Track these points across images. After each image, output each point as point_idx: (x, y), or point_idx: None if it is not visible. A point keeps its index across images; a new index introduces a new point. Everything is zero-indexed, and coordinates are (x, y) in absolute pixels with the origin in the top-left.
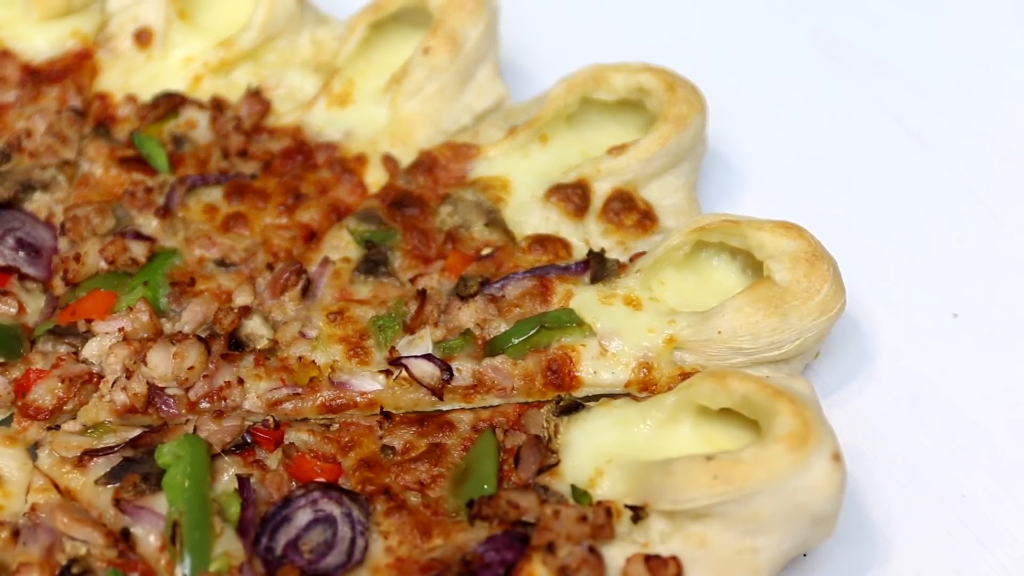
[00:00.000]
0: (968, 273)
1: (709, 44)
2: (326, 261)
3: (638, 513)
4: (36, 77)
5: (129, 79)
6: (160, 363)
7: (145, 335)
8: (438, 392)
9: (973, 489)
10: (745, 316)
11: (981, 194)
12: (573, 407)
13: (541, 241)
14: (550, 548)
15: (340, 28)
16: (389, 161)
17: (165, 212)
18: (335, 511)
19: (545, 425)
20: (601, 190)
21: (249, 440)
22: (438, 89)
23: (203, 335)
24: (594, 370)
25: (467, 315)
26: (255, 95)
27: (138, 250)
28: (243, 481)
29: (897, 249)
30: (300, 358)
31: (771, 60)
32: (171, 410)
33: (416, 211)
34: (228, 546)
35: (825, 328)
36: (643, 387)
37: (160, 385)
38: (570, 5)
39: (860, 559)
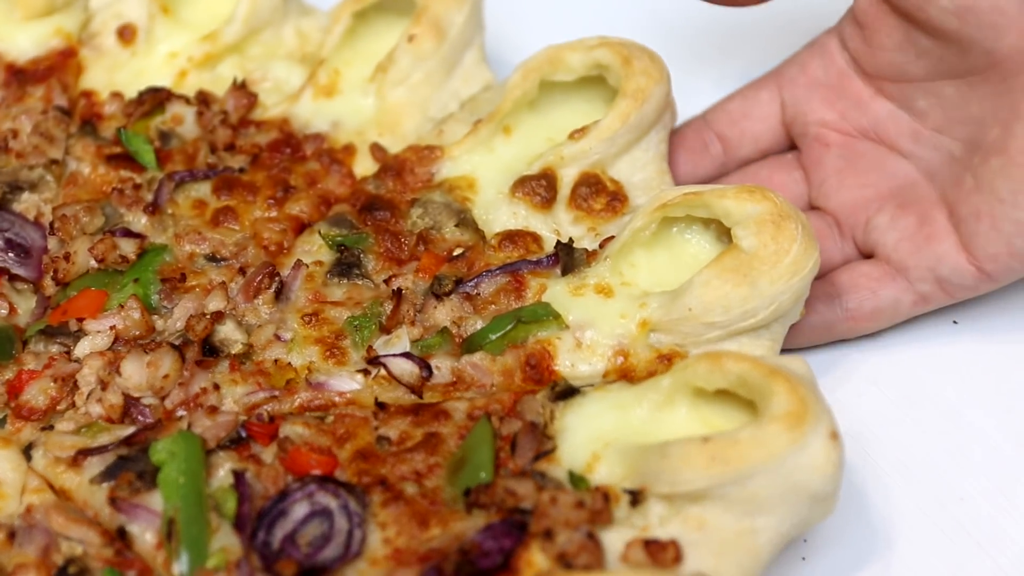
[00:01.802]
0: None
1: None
2: (299, 264)
3: (636, 497)
4: (21, 77)
5: (114, 76)
6: (134, 373)
7: (137, 332)
8: (418, 390)
9: (971, 492)
10: (713, 289)
11: None
12: (569, 392)
13: (511, 237)
14: (548, 534)
15: (324, 18)
16: (377, 150)
17: (154, 209)
18: (332, 504)
19: (541, 411)
20: (568, 176)
21: (244, 435)
22: (424, 77)
23: (176, 342)
24: (571, 363)
25: (443, 313)
26: (241, 88)
27: (128, 248)
28: (239, 476)
29: None
30: (276, 361)
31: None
32: (147, 420)
33: (387, 214)
34: (225, 541)
35: (800, 288)
36: (621, 375)
37: (135, 395)
38: None
39: (858, 561)
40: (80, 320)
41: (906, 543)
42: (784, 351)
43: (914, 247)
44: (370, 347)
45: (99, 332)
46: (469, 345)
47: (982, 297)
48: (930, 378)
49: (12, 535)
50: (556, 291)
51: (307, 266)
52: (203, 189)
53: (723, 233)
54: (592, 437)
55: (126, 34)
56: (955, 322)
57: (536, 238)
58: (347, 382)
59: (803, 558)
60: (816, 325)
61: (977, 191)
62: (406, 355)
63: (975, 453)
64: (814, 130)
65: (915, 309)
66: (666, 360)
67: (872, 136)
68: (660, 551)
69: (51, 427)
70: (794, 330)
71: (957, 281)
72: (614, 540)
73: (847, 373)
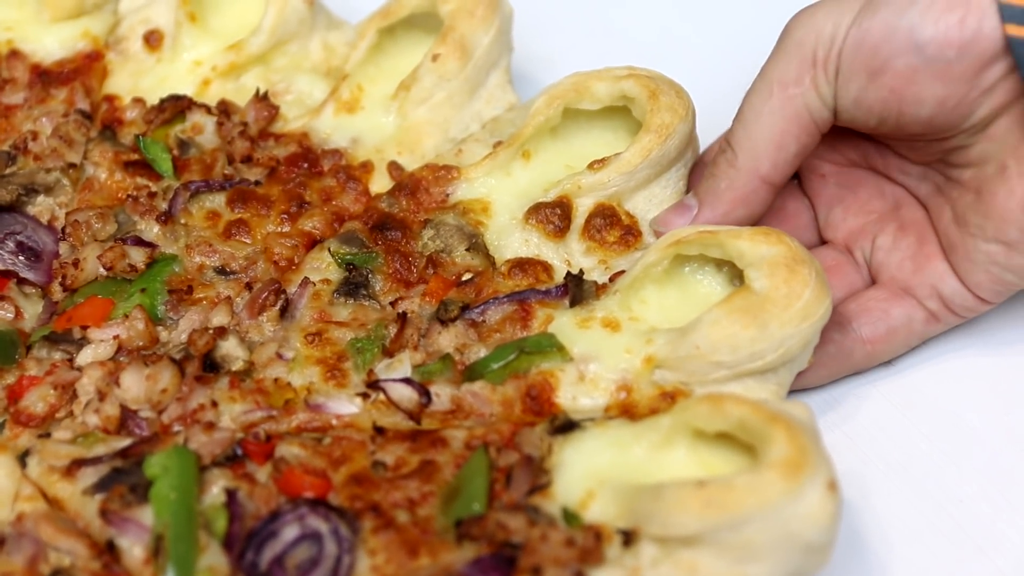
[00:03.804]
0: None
1: (718, 40)
2: (306, 282)
3: (629, 537)
4: (45, 78)
5: (138, 82)
6: (133, 385)
7: (140, 343)
8: (416, 416)
9: (970, 494)
10: (722, 329)
11: None
12: (568, 426)
13: (521, 265)
14: (536, 572)
15: (352, 32)
16: (395, 168)
17: (167, 218)
18: (322, 528)
19: (539, 444)
20: (583, 206)
21: (239, 453)
22: (447, 96)
23: (177, 356)
24: (573, 395)
25: (447, 340)
26: (263, 100)
27: (137, 256)
28: (231, 495)
29: None
30: (276, 380)
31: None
32: (143, 433)
33: (398, 234)
34: (213, 560)
35: (809, 334)
36: (623, 410)
37: (133, 407)
38: (584, 14)
39: (856, 562)
40: (84, 328)
41: (905, 545)
42: (803, 391)
43: (916, 266)
44: (371, 370)
45: (102, 341)
46: (471, 373)
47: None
48: (929, 381)
49: (1, 542)
50: (563, 322)
51: (314, 284)
52: (218, 200)
53: (735, 276)
54: (588, 473)
55: (153, 40)
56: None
57: (546, 267)
58: (345, 405)
59: None
60: (834, 355)
61: (955, 224)
62: (406, 381)
63: (974, 456)
64: (809, 163)
65: (928, 328)
66: (669, 398)
67: (863, 166)
68: None
69: (48, 435)
70: (814, 366)
71: (959, 302)
72: None
73: (846, 376)
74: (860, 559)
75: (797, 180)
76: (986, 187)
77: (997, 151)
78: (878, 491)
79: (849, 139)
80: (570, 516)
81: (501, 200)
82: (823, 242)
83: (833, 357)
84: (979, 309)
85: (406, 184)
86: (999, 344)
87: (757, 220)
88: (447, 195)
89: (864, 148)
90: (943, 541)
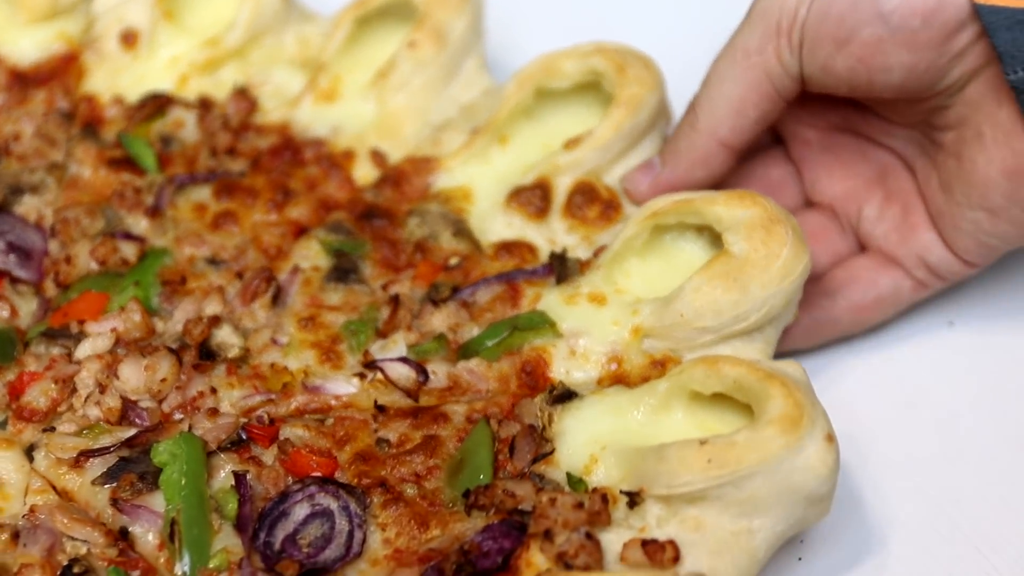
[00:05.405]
0: (964, 281)
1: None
2: (296, 269)
3: (634, 499)
4: (23, 81)
5: (116, 80)
6: (132, 376)
7: (138, 335)
8: (414, 394)
9: (967, 493)
10: (704, 294)
11: None
12: (566, 396)
13: (507, 247)
14: (547, 535)
15: (325, 25)
16: (377, 156)
17: (154, 212)
18: (332, 505)
19: (539, 414)
20: (562, 185)
21: (244, 437)
22: (425, 83)
23: (174, 346)
24: (566, 370)
25: (439, 320)
26: (242, 93)
27: (128, 250)
28: (239, 477)
29: None
30: (272, 365)
31: None
32: (144, 423)
33: (384, 223)
34: (227, 542)
35: (791, 291)
36: (615, 381)
37: (133, 398)
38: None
39: (854, 562)
40: (81, 322)
41: (901, 544)
42: (790, 353)
43: (902, 237)
44: (366, 352)
45: (100, 334)
46: (465, 351)
47: (978, 299)
48: (926, 379)
49: (16, 535)
50: (551, 300)
51: (304, 271)
52: (204, 193)
53: (716, 239)
54: (590, 440)
55: (128, 38)
56: (951, 323)
57: (531, 248)
58: (343, 386)
59: (799, 559)
60: (823, 321)
61: (941, 190)
62: (403, 360)
63: (971, 454)
64: (792, 128)
65: (916, 294)
66: (659, 365)
67: (847, 130)
68: (658, 551)
69: (52, 429)
70: (803, 329)
71: (946, 268)
72: (612, 541)
73: (843, 375)
74: (856, 559)
75: (784, 147)
76: (966, 152)
77: (973, 115)
78: (875, 490)
79: (831, 104)
80: (575, 482)
81: (481, 186)
82: (811, 205)
83: (822, 324)
84: (966, 272)
85: (390, 175)
86: (997, 343)
87: (719, 182)
88: (428, 185)
89: (846, 112)
90: (939, 540)
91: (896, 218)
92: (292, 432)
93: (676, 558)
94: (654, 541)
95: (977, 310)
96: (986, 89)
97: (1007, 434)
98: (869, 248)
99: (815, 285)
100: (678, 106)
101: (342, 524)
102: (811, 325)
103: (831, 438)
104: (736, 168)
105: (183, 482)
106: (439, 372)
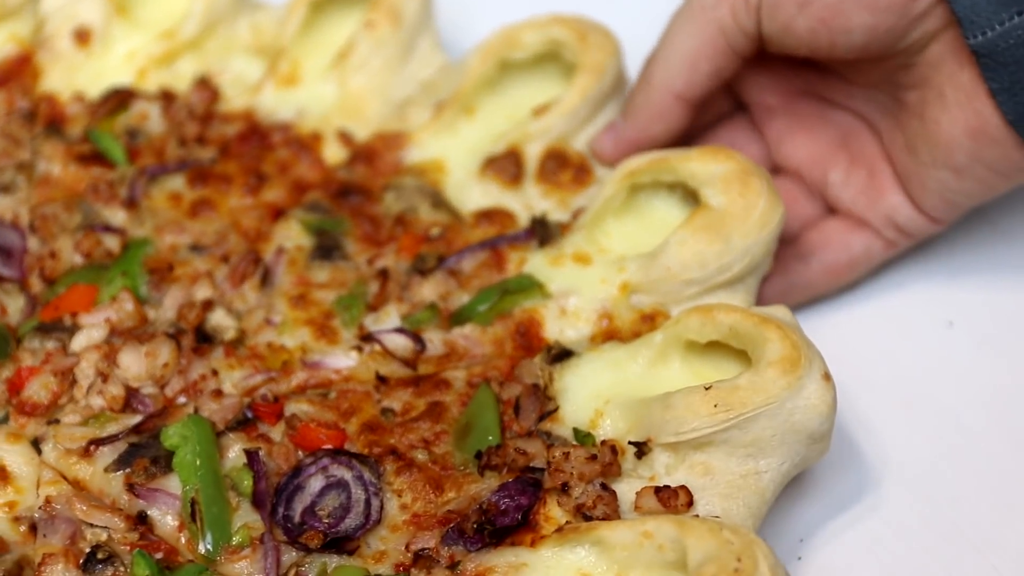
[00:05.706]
0: (964, 281)
1: None
2: (280, 250)
3: (641, 449)
4: None
5: (73, 78)
6: (132, 363)
7: (131, 324)
8: (412, 363)
9: (966, 493)
10: (689, 247)
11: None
12: (564, 354)
13: (486, 215)
14: (564, 489)
15: (277, 12)
16: (344, 136)
17: (130, 203)
18: (346, 475)
19: (539, 374)
20: (533, 152)
21: (250, 416)
22: (384, 62)
23: (170, 332)
24: (559, 329)
25: (429, 289)
26: (203, 83)
27: (112, 242)
28: (251, 455)
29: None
30: (269, 344)
31: None
32: (148, 408)
33: (361, 199)
34: (247, 519)
35: (770, 240)
36: (607, 337)
37: (135, 385)
38: None
39: (853, 561)
40: (74, 315)
41: (901, 543)
42: None
43: (870, 200)
44: (361, 325)
45: (94, 325)
46: (457, 318)
47: (976, 298)
48: (925, 379)
49: (33, 528)
50: (536, 263)
51: (288, 251)
52: (177, 182)
53: (688, 195)
54: (593, 395)
55: (82, 36)
56: (951, 323)
57: (510, 215)
58: (342, 359)
59: (799, 558)
60: (797, 284)
61: (906, 151)
62: (399, 330)
63: (970, 454)
64: (754, 94)
65: (887, 253)
66: (649, 319)
67: (809, 94)
68: (672, 497)
69: (57, 421)
70: (778, 292)
71: (914, 227)
72: (624, 491)
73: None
74: (855, 558)
75: (748, 115)
76: (929, 113)
77: (934, 76)
78: (873, 489)
79: (792, 69)
80: (583, 436)
81: (454, 157)
82: (776, 172)
83: (797, 287)
84: (934, 229)
85: (362, 152)
86: (996, 343)
87: (678, 137)
88: (400, 160)
89: (807, 76)
90: (939, 540)
91: (863, 181)
92: (297, 408)
93: (690, 503)
94: (667, 488)
95: (977, 310)
96: (946, 51)
97: (1007, 434)
98: (838, 211)
99: (788, 249)
100: (632, 75)
101: (358, 493)
102: (786, 288)
103: (828, 376)
104: (700, 136)
105: (197, 463)
106: (435, 340)
